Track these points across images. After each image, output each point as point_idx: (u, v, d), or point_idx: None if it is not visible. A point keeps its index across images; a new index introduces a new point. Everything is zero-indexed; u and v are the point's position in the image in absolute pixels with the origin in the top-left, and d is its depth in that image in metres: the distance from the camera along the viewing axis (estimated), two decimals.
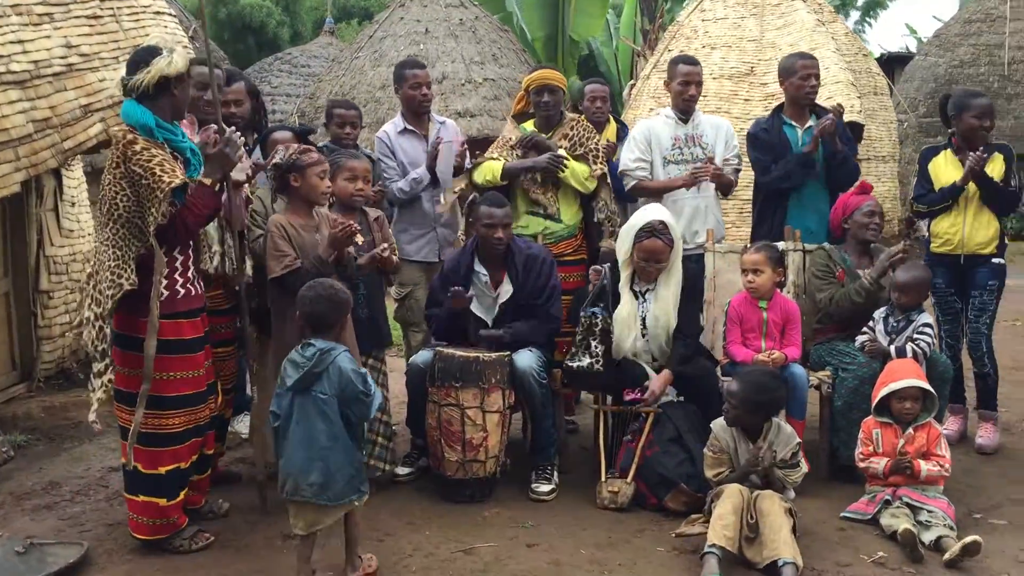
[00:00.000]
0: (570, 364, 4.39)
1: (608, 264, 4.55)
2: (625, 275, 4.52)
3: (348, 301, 3.58)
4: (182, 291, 3.76)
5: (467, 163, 5.26)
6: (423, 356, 4.44)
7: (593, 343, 4.35)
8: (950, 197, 4.91)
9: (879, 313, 4.50)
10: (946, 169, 4.98)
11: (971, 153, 4.78)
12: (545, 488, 4.37)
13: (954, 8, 27.18)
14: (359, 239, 4.18)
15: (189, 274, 3.82)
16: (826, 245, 4.89)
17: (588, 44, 19.84)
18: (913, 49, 24.38)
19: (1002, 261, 4.97)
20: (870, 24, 29.66)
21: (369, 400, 3.41)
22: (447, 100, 12.45)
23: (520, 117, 5.25)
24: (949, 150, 5.03)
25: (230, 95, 4.59)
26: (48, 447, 5.25)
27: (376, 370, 4.42)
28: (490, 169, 4.97)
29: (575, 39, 17.00)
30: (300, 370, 3.36)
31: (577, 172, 4.98)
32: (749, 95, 12.33)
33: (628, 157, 5.21)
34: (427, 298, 4.85)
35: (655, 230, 4.38)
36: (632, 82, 14.37)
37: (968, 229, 4.89)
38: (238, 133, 3.83)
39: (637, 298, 4.54)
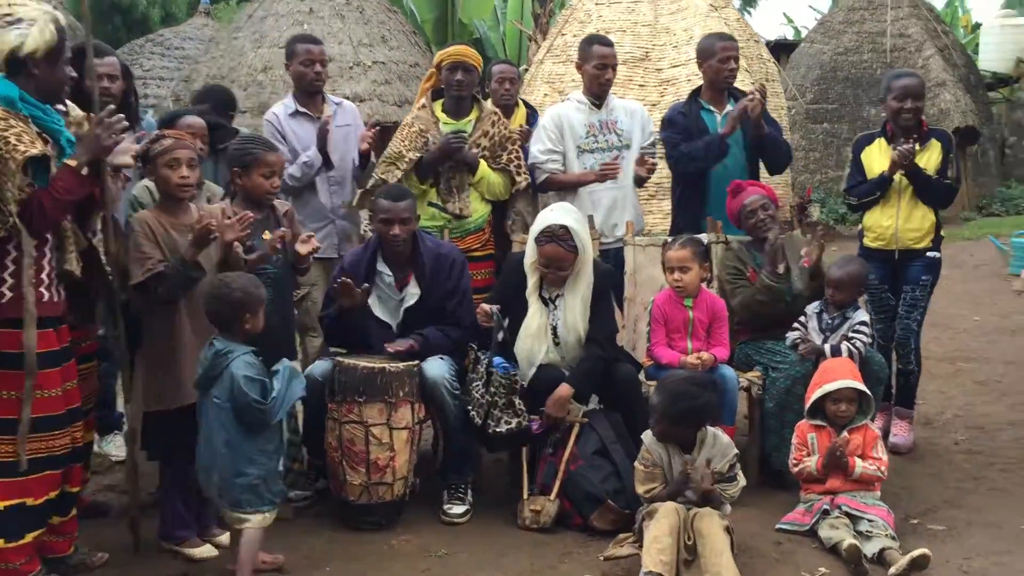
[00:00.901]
0: (497, 430, 3.91)
1: (497, 307, 4.09)
2: (532, 281, 4.10)
3: (246, 299, 3.33)
4: (34, 295, 3.20)
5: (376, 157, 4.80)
6: (321, 367, 3.97)
7: (516, 400, 3.92)
8: (878, 189, 4.62)
9: (811, 309, 4.27)
10: (879, 159, 4.66)
11: (901, 141, 4.53)
12: (459, 509, 3.98)
13: None
14: (267, 236, 3.78)
15: (44, 276, 3.27)
16: (735, 244, 4.61)
17: (476, 27, 19.42)
18: (790, 38, 24.92)
19: (938, 255, 4.71)
20: (749, 13, 30.22)
21: (267, 410, 3.26)
22: (335, 84, 11.82)
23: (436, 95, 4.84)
24: (883, 138, 4.72)
25: (103, 68, 4.03)
26: None
27: None
28: (412, 185, 4.58)
29: (464, 22, 16.54)
30: (200, 368, 3.32)
31: (493, 183, 4.61)
32: (644, 80, 12.21)
33: (538, 149, 4.84)
34: (324, 297, 4.39)
35: (554, 235, 3.95)
36: (524, 67, 14.06)
37: (901, 222, 4.62)
38: (119, 113, 3.33)
39: (547, 305, 4.14)
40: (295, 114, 4.84)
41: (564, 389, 3.96)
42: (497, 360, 3.96)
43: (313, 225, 4.73)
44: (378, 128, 4.82)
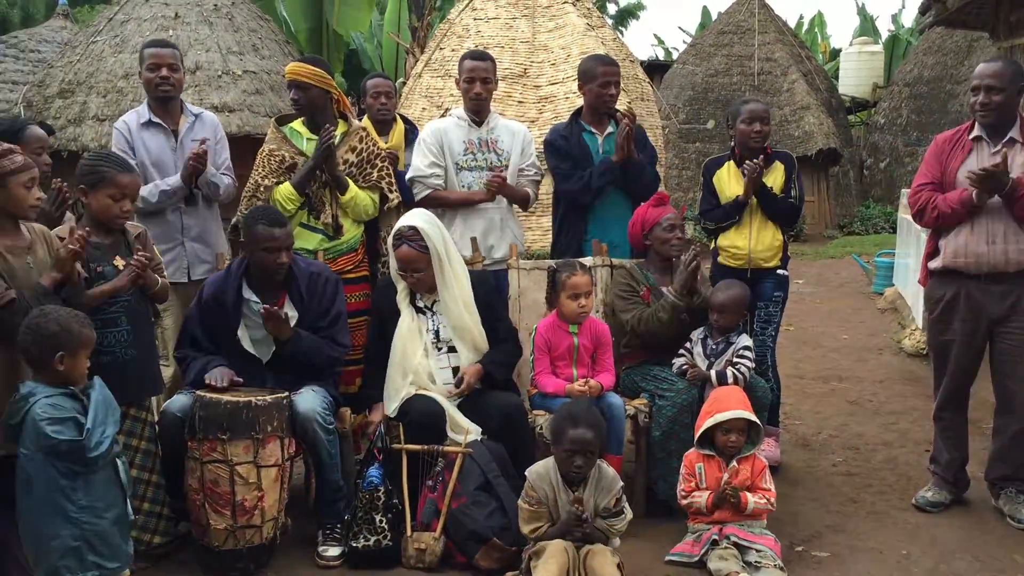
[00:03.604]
0: (354, 545, 3.67)
1: (378, 422, 3.94)
2: (400, 287, 4.08)
3: (62, 335, 2.96)
4: None
5: (213, 175, 4.48)
6: (179, 402, 3.66)
7: (377, 517, 3.69)
8: (735, 213, 4.68)
9: (696, 334, 4.21)
10: (730, 182, 4.75)
11: (747, 162, 4.61)
12: (334, 551, 3.72)
13: (696, 20, 28.88)
14: (119, 262, 3.47)
15: None
16: (627, 263, 4.55)
17: (353, 39, 19.07)
18: (662, 59, 25.58)
19: (786, 273, 4.84)
20: (622, 32, 30.95)
21: (83, 446, 2.86)
22: (202, 93, 11.34)
23: (283, 120, 4.57)
24: (732, 162, 4.79)
25: None
26: None
27: (140, 421, 3.65)
28: (287, 198, 4.28)
29: (340, 33, 16.18)
30: (6, 418, 2.93)
31: (360, 201, 4.38)
32: (523, 97, 12.21)
33: (421, 163, 4.65)
34: (180, 332, 4.06)
35: (404, 237, 3.96)
36: (402, 80, 13.87)
37: (753, 242, 4.69)
38: None
39: (425, 312, 4.08)
40: (148, 124, 4.48)
41: (479, 367, 4.00)
42: (371, 471, 3.76)
43: (161, 247, 4.38)
44: (206, 147, 4.43)
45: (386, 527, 3.67)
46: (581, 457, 3.39)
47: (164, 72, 4.44)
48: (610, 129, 4.81)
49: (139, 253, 3.54)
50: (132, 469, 3.53)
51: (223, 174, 4.57)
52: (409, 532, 3.69)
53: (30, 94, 12.08)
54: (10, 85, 16.17)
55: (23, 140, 3.82)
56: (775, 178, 4.71)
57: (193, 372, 3.79)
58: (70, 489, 2.89)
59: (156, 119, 4.48)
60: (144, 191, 4.30)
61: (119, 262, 3.50)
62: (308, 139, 4.38)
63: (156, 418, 3.80)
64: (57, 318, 2.97)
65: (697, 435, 3.77)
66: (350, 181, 4.37)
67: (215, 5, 12.47)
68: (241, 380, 3.75)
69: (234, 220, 4.49)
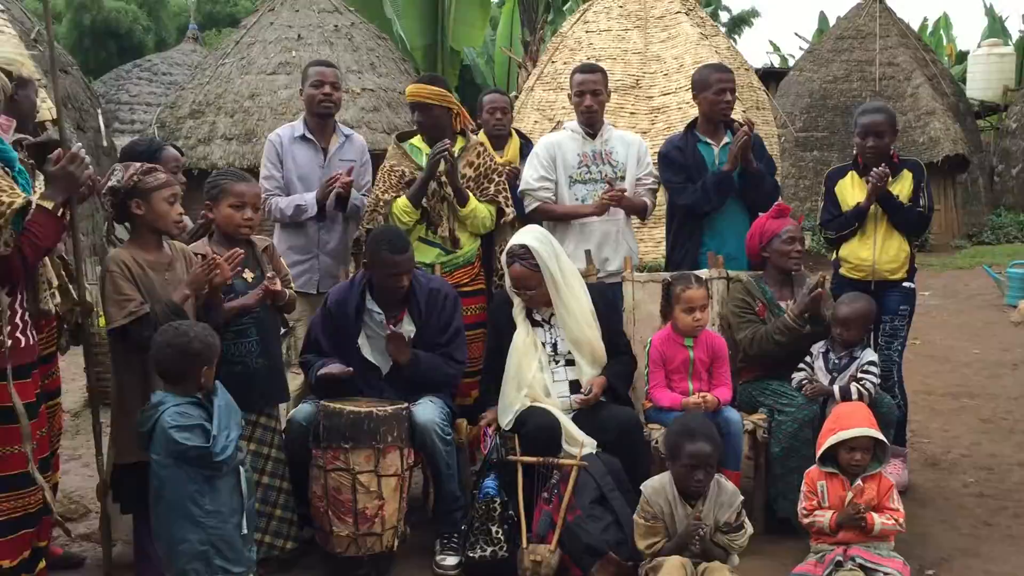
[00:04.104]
0: (471, 555, 3.72)
1: (493, 428, 3.99)
2: (516, 302, 4.09)
3: (206, 351, 3.08)
4: (10, 342, 3.03)
5: (356, 199, 4.61)
6: (304, 411, 3.79)
7: (493, 528, 3.73)
8: (856, 220, 4.55)
9: (817, 348, 4.10)
10: (852, 191, 4.61)
11: (874, 170, 4.45)
12: (452, 560, 3.78)
13: (813, 25, 28.17)
14: (248, 275, 3.61)
15: (18, 320, 3.10)
16: (743, 277, 4.47)
17: (466, 55, 19.37)
18: (777, 66, 25.03)
19: (912, 285, 4.66)
20: (735, 40, 30.49)
21: (211, 452, 2.99)
22: None
23: (403, 136, 4.69)
24: (854, 171, 4.65)
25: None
26: None
27: (270, 430, 3.78)
28: (403, 211, 4.38)
29: (455, 49, 16.45)
30: (140, 428, 3.05)
31: (479, 214, 4.46)
32: (635, 108, 12.15)
33: (531, 176, 4.69)
34: (304, 338, 4.20)
35: (515, 255, 3.98)
36: (514, 94, 13.99)
37: (878, 253, 4.54)
38: (82, 147, 3.17)
39: (540, 326, 4.10)
40: (300, 139, 4.67)
41: (601, 379, 3.97)
42: (488, 482, 3.80)
43: (297, 258, 4.57)
44: (351, 179, 4.57)
45: (502, 538, 3.71)
46: (701, 471, 3.35)
47: (327, 89, 4.63)
48: (726, 139, 4.75)
49: (267, 277, 3.67)
50: (264, 476, 3.68)
51: (363, 195, 4.69)
52: (525, 544, 3.70)
53: (163, 115, 12.70)
54: (144, 107, 17.10)
55: (161, 160, 4.03)
56: (902, 187, 4.56)
57: (312, 374, 3.91)
58: (198, 494, 3.01)
59: (309, 135, 4.66)
60: (282, 203, 4.50)
61: (248, 275, 3.66)
62: (427, 155, 4.48)
63: (283, 427, 3.93)
64: (198, 335, 3.09)
65: (819, 452, 3.67)
66: (470, 194, 4.45)
67: (335, 26, 12.87)
68: (351, 369, 3.84)
69: (356, 234, 4.62)
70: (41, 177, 3.56)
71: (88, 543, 4.05)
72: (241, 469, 3.17)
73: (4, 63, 3.11)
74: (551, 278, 4.00)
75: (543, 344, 4.08)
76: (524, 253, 3.98)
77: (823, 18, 28.13)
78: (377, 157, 4.80)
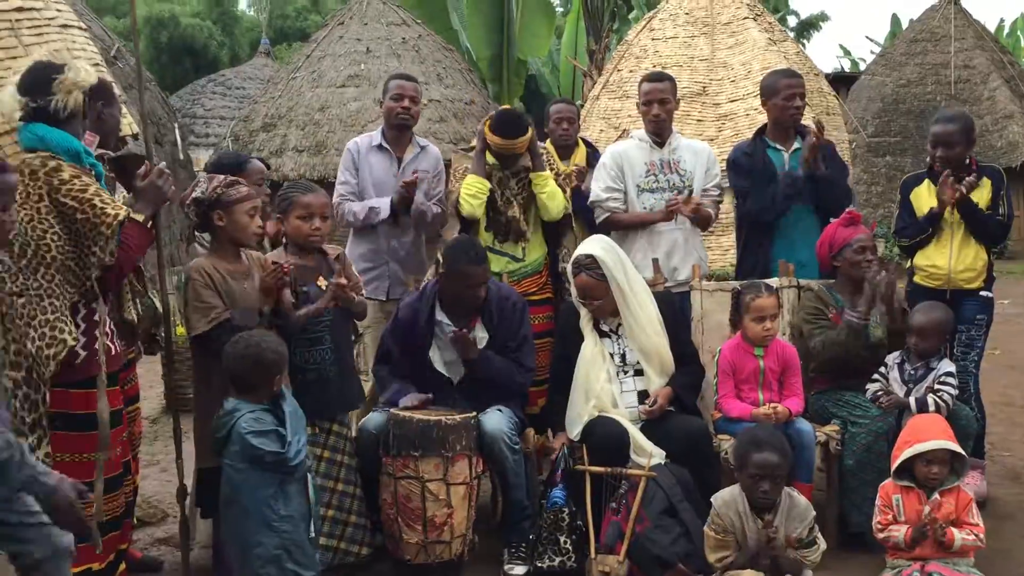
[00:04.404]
0: (539, 565, 3.74)
1: (564, 441, 3.98)
2: (583, 313, 4.07)
3: (278, 360, 3.18)
4: (103, 351, 3.17)
5: (424, 205, 4.66)
6: (375, 420, 3.83)
7: (561, 538, 3.73)
8: (929, 226, 4.45)
9: (892, 358, 4.02)
10: (928, 199, 4.51)
11: (966, 179, 4.35)
12: (520, 570, 3.79)
13: (885, 28, 27.58)
14: (322, 283, 3.68)
15: (108, 328, 3.23)
16: (814, 285, 4.40)
17: (531, 64, 19.45)
18: (847, 70, 24.57)
19: (990, 294, 4.53)
20: (804, 45, 30.02)
21: (286, 457, 3.06)
22: None
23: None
24: (929, 179, 4.55)
25: None
26: None
27: (342, 437, 3.83)
28: (472, 184, 4.39)
29: (521, 59, 16.54)
30: (214, 434, 3.15)
31: (556, 193, 4.48)
32: (702, 115, 12.08)
33: (599, 187, 4.70)
34: (377, 348, 4.25)
35: (581, 265, 3.96)
36: (580, 103, 14.01)
37: (954, 261, 4.43)
38: (164, 164, 3.31)
39: (608, 336, 4.08)
40: (377, 148, 4.75)
41: (667, 389, 3.94)
42: (556, 492, 3.80)
43: (366, 265, 4.63)
44: (417, 176, 4.60)
45: (570, 548, 3.70)
46: (768, 482, 3.31)
47: (406, 103, 4.71)
48: (796, 145, 4.69)
49: (337, 276, 3.75)
50: (338, 483, 3.74)
51: (433, 204, 4.73)
52: (593, 554, 3.69)
53: (236, 128, 13.02)
54: (218, 120, 17.57)
55: (246, 172, 4.15)
56: (982, 194, 4.44)
57: (388, 395, 3.96)
58: (272, 499, 3.07)
59: (386, 145, 4.74)
60: (356, 207, 4.60)
61: (322, 283, 3.73)
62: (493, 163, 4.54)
63: (354, 434, 3.99)
64: (270, 346, 3.17)
65: (894, 465, 3.58)
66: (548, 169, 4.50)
67: (403, 39, 13.06)
68: (431, 397, 3.89)
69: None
70: (121, 190, 3.70)
71: (166, 547, 4.17)
72: (308, 475, 3.24)
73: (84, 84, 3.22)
74: (618, 288, 3.98)
75: (611, 355, 4.07)
76: (590, 263, 3.98)
77: (895, 20, 27.57)
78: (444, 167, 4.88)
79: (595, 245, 4.07)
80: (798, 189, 4.55)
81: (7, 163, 2.77)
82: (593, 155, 5.24)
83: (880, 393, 3.95)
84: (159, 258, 3.51)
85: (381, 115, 4.93)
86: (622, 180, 4.69)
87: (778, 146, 4.72)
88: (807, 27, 30.70)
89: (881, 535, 3.59)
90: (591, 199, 4.74)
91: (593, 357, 4.02)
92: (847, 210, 4.42)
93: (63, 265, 3.06)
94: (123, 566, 3.45)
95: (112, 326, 3.29)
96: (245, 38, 26.77)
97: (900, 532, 3.50)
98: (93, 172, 3.19)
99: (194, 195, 3.46)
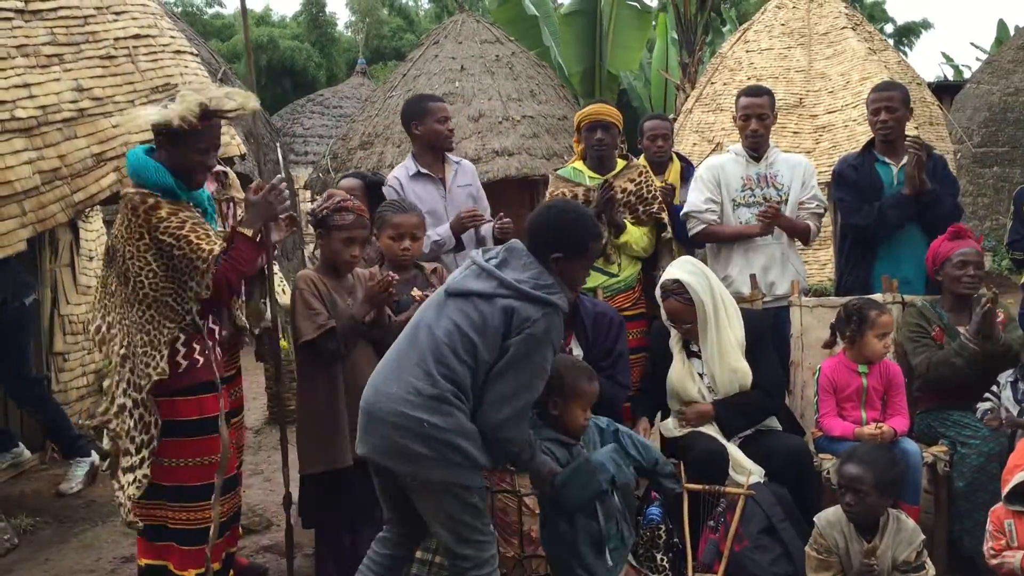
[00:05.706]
0: None
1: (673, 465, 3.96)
2: (673, 333, 4.07)
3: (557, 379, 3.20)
4: (201, 360, 3.30)
5: (487, 228, 4.65)
6: None
7: (658, 555, 3.71)
8: None
9: (1006, 377, 3.88)
10: None
11: None
12: None
13: (991, 35, 26.58)
14: (416, 293, 3.76)
15: (217, 335, 3.38)
16: (917, 301, 4.27)
17: (623, 79, 19.41)
18: (951, 78, 23.77)
19: None
20: (904, 53, 29.12)
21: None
22: (484, 139, 12.00)
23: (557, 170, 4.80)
24: None
25: None
26: (56, 531, 4.74)
27: None
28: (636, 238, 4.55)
29: (613, 73, 16.52)
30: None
31: (635, 241, 4.52)
32: (799, 128, 11.85)
33: (697, 199, 4.67)
34: None
35: (667, 289, 3.94)
36: (673, 116, 13.93)
37: None
38: (283, 180, 3.41)
39: (698, 356, 4.04)
40: (417, 176, 4.67)
41: (707, 406, 3.90)
42: (652, 509, 3.78)
43: None
44: (479, 216, 4.57)
45: (667, 566, 3.67)
46: (850, 494, 3.23)
47: (451, 124, 4.76)
48: (906, 159, 4.57)
49: (430, 288, 3.81)
50: None
51: (494, 228, 4.66)
52: (690, 572, 3.66)
53: (335, 147, 13.32)
54: (317, 139, 18.01)
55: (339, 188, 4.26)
56: None
57: None
58: None
59: (424, 170, 4.67)
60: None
61: (416, 293, 3.80)
62: (589, 176, 4.56)
63: None
64: (556, 364, 3.11)
65: (1005, 489, 3.45)
66: (627, 223, 4.48)
67: (496, 56, 13.18)
68: None
69: None
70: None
71: (271, 554, 4.30)
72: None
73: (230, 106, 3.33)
74: (703, 313, 3.93)
75: (700, 375, 4.03)
76: (677, 288, 3.93)
77: (1002, 26, 26.52)
78: (536, 183, 4.92)
79: (682, 270, 4.01)
80: (908, 207, 4.43)
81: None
82: (687, 169, 5.21)
83: (991, 413, 3.81)
84: (268, 269, 3.61)
85: (410, 139, 4.86)
86: (719, 193, 4.66)
87: (887, 160, 4.62)
88: (905, 33, 29.85)
89: (994, 561, 3.44)
90: (686, 210, 4.71)
91: (680, 377, 4.02)
92: (954, 224, 4.29)
93: (157, 301, 3.19)
94: (232, 573, 3.58)
95: (222, 333, 3.43)
96: (342, 58, 27.43)
97: (1016, 558, 3.36)
98: (191, 204, 3.30)
99: (312, 206, 3.59)
